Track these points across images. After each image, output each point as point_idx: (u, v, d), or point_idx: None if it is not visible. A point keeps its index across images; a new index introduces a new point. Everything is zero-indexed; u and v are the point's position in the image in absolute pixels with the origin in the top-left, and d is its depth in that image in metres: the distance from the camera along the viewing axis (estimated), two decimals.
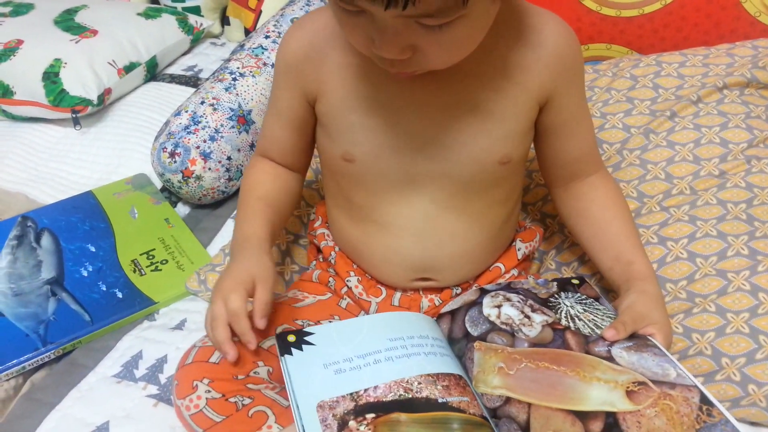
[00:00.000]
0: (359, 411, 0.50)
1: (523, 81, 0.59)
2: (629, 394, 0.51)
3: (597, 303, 0.61)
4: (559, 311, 0.60)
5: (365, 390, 0.52)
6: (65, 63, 1.11)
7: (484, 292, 0.64)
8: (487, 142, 0.60)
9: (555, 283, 0.64)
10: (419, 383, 0.53)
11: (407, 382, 0.53)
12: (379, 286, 0.69)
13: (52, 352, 0.74)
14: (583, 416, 0.50)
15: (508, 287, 0.64)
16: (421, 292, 0.68)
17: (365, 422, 0.49)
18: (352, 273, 0.70)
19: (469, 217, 0.64)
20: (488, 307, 0.61)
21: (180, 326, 0.77)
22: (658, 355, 0.54)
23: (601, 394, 0.51)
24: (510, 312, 0.60)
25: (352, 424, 0.49)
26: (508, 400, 0.52)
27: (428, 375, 0.54)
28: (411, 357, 0.56)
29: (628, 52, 1.03)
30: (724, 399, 0.61)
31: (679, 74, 0.88)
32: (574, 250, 0.78)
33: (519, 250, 0.71)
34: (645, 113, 0.84)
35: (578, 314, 0.59)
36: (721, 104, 0.83)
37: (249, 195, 0.69)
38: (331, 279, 0.71)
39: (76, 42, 1.16)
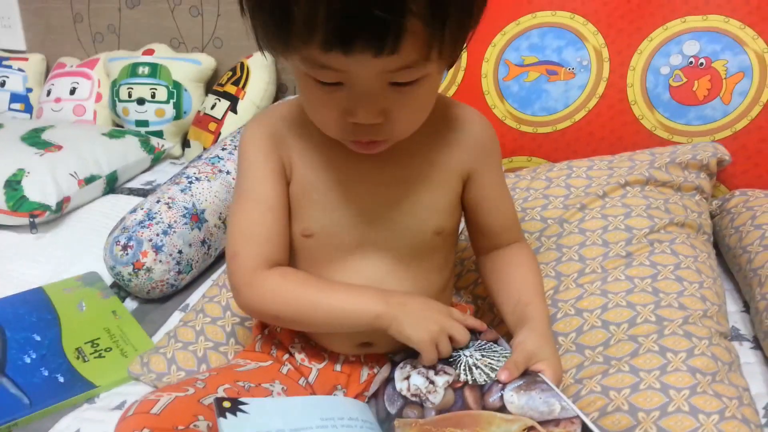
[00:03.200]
0: None
1: (449, 160, 0.69)
2: None
3: (495, 345, 0.65)
4: (458, 365, 0.63)
5: None
6: (28, 172, 1.18)
7: (393, 365, 0.67)
8: (425, 213, 0.68)
9: None
10: None
11: None
12: (323, 353, 0.72)
13: None
14: None
15: (414, 351, 0.67)
16: (362, 359, 0.71)
17: None
18: (296, 340, 0.73)
19: (409, 283, 0.69)
20: (399, 381, 0.64)
21: (120, 407, 0.77)
22: (545, 390, 0.58)
23: None
24: (417, 382, 0.63)
25: None
26: None
27: None
28: None
29: (546, 163, 1.16)
30: None
31: (587, 176, 0.99)
32: (503, 326, 0.83)
33: None
34: (559, 207, 0.94)
35: (476, 362, 0.62)
36: (624, 198, 0.94)
37: (313, 284, 0.66)
38: (273, 348, 0.74)
39: (41, 155, 1.24)
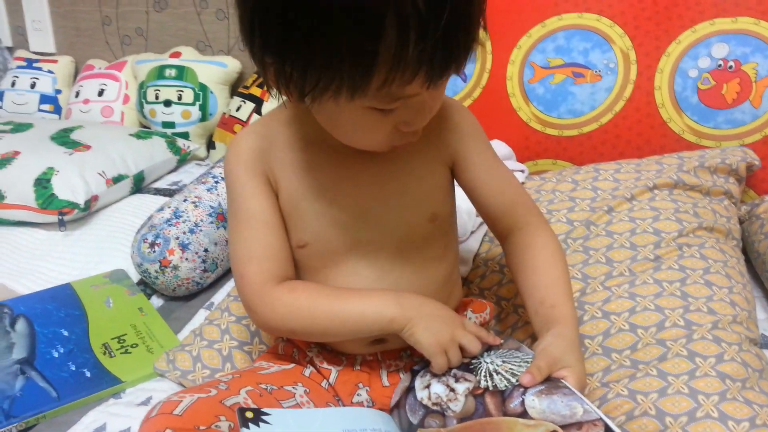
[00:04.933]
0: None
1: (431, 147, 0.70)
2: None
3: (516, 351, 0.64)
4: (479, 371, 0.62)
5: None
6: (57, 171, 1.20)
7: (414, 373, 0.67)
8: (414, 203, 0.69)
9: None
10: None
11: None
12: (340, 356, 0.72)
13: (14, 425, 0.74)
14: None
15: None
16: (379, 357, 0.71)
17: None
18: (312, 345, 0.73)
19: (409, 275, 0.69)
20: (420, 391, 0.64)
21: (145, 402, 0.78)
22: (567, 395, 0.57)
23: None
24: (437, 390, 0.62)
25: None
26: None
27: None
28: None
29: (571, 166, 1.15)
30: None
31: (614, 179, 0.99)
32: (527, 328, 0.82)
33: (470, 319, 0.75)
34: (585, 210, 0.93)
35: (497, 368, 0.62)
36: (652, 201, 0.92)
37: (325, 294, 0.66)
38: (295, 350, 0.74)
39: (70, 154, 1.26)
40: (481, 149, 0.73)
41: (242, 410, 0.59)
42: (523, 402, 0.58)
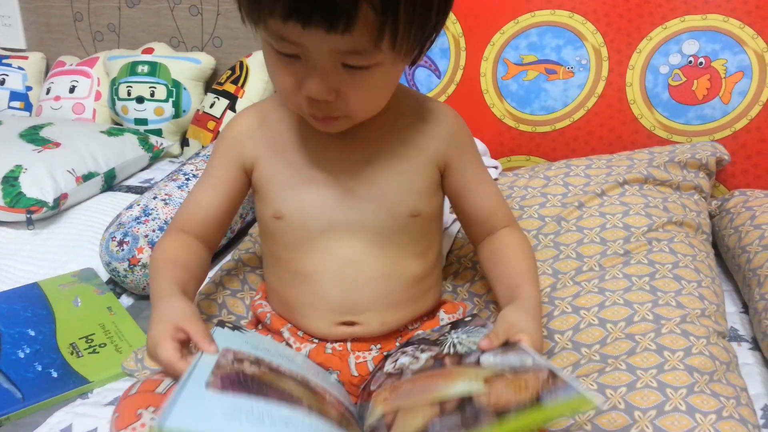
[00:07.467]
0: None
1: (423, 147, 0.71)
2: (487, 381, 0.53)
3: (482, 328, 0.65)
4: (444, 345, 0.64)
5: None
6: (25, 169, 1.17)
7: (386, 357, 0.68)
8: (397, 196, 0.69)
9: (449, 325, 0.69)
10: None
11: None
12: (312, 340, 0.72)
13: None
14: (441, 402, 0.52)
15: (406, 343, 0.69)
16: (348, 347, 0.71)
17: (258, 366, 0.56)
18: (284, 327, 0.74)
19: (385, 264, 0.70)
20: (388, 365, 0.66)
21: (113, 402, 0.76)
22: (521, 352, 0.57)
23: (462, 386, 0.53)
24: (403, 360, 0.64)
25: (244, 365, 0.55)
26: (384, 416, 0.55)
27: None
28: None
29: (544, 162, 1.16)
30: None
31: (585, 174, 0.99)
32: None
33: (442, 320, 0.76)
34: (557, 205, 0.94)
35: (461, 341, 0.63)
36: (622, 196, 0.93)
37: (158, 259, 0.71)
38: (270, 335, 0.74)
39: (39, 152, 1.24)
40: (472, 158, 0.75)
41: (222, 322, 0.64)
42: (478, 359, 0.58)
